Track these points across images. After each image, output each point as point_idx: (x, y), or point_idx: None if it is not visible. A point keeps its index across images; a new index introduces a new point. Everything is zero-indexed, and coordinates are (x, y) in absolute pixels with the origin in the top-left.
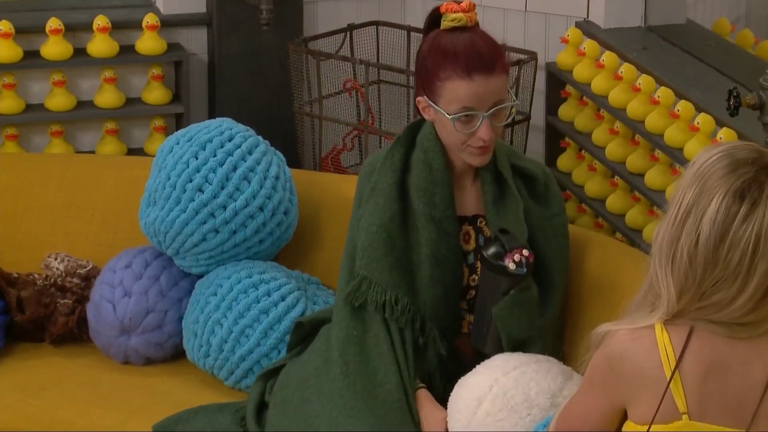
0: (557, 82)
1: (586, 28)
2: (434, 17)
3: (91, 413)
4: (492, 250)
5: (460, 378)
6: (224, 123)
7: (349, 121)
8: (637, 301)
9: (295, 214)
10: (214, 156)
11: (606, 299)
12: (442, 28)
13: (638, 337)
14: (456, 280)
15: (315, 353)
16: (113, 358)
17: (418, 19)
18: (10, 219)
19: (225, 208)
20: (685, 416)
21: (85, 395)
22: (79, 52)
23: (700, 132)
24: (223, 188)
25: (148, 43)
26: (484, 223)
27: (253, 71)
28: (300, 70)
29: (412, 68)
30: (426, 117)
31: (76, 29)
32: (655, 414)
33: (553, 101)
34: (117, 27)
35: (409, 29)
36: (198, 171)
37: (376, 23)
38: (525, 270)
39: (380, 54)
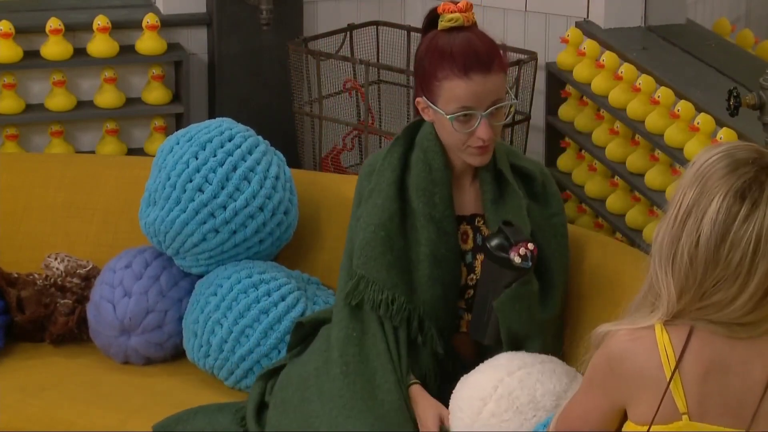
0: (557, 82)
1: (586, 28)
2: (432, 18)
3: (91, 413)
4: (496, 241)
5: (458, 377)
6: (224, 123)
7: (349, 121)
8: (637, 301)
9: (295, 214)
10: (214, 156)
11: (606, 299)
12: (439, 28)
13: (638, 337)
14: (454, 280)
15: (315, 353)
16: (113, 358)
17: (418, 19)
18: (10, 219)
19: (225, 208)
20: (685, 416)
21: (85, 395)
22: (79, 52)
23: (700, 132)
24: (223, 188)
25: (148, 43)
26: (481, 222)
27: (253, 71)
28: (300, 70)
29: (412, 68)
30: (426, 118)
31: (76, 29)
32: (655, 414)
33: (553, 101)
34: (117, 27)
35: (409, 29)
36: (198, 171)
37: (376, 23)
38: (530, 263)
39: (380, 54)
